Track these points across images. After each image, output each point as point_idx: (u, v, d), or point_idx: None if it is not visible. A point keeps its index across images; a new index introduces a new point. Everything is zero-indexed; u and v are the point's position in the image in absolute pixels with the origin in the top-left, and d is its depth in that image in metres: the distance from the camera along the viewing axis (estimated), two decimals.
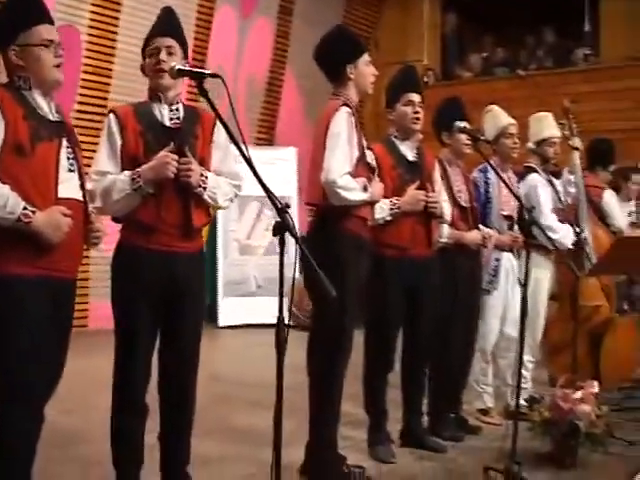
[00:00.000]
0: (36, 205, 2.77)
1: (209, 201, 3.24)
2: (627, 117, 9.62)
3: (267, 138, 10.90)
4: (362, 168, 3.78)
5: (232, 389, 5.95)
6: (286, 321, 2.44)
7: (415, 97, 4.23)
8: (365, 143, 3.91)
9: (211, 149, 3.30)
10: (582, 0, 10.57)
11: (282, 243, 2.46)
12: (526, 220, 4.18)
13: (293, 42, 10.81)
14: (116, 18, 8.68)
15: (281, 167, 9.84)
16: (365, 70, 3.84)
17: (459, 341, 4.60)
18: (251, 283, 9.77)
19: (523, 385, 4.58)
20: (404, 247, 4.15)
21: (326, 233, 3.72)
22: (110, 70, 8.72)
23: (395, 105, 4.26)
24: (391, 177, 4.16)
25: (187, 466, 3.35)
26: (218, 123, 3.22)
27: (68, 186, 2.90)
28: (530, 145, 5.27)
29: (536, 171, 5.20)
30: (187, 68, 2.97)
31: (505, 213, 4.91)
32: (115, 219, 3.23)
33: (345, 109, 3.72)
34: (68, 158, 2.93)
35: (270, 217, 9.65)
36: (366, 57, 3.87)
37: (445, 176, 4.57)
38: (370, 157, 4.00)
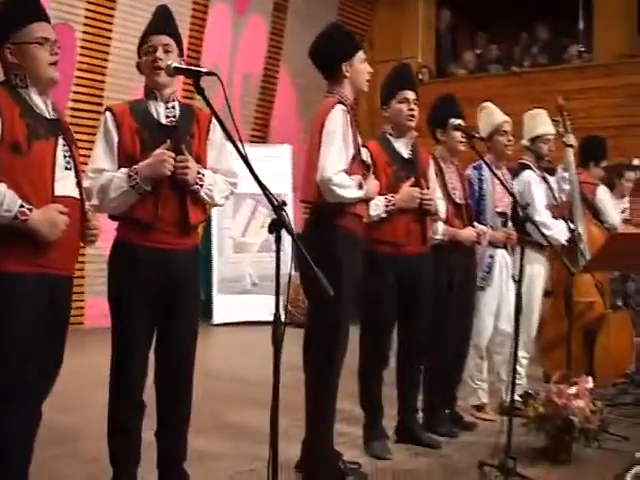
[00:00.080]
0: (33, 203, 2.77)
1: (206, 198, 3.25)
2: (621, 114, 9.65)
3: (261, 135, 10.91)
4: (357, 166, 3.79)
5: (227, 386, 5.96)
6: (282, 318, 2.46)
7: (410, 94, 4.24)
8: (360, 140, 3.92)
9: (207, 147, 3.32)
10: None
11: (278, 240, 2.47)
12: (520, 217, 4.20)
13: (287, 40, 10.81)
14: (111, 16, 8.67)
15: (275, 164, 9.84)
16: (360, 68, 3.84)
17: (454, 337, 4.62)
18: (246, 281, 9.78)
19: (518, 381, 4.59)
20: (399, 244, 4.16)
21: (321, 230, 3.73)
22: (105, 68, 8.72)
23: (390, 102, 4.27)
24: (386, 174, 4.17)
25: (184, 462, 3.36)
26: (214, 121, 3.23)
27: (65, 184, 2.90)
28: (524, 142, 5.30)
29: (530, 168, 5.22)
30: (184, 66, 2.98)
31: (499, 210, 4.93)
32: (112, 217, 3.24)
33: (340, 107, 3.73)
34: (64, 156, 2.93)
35: (265, 214, 9.67)
36: (361, 55, 3.87)
37: (440, 173, 4.59)
38: (365, 154, 4.01)
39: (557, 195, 5.37)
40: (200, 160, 3.24)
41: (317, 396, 3.72)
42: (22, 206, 2.74)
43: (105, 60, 8.71)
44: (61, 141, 2.93)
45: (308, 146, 3.80)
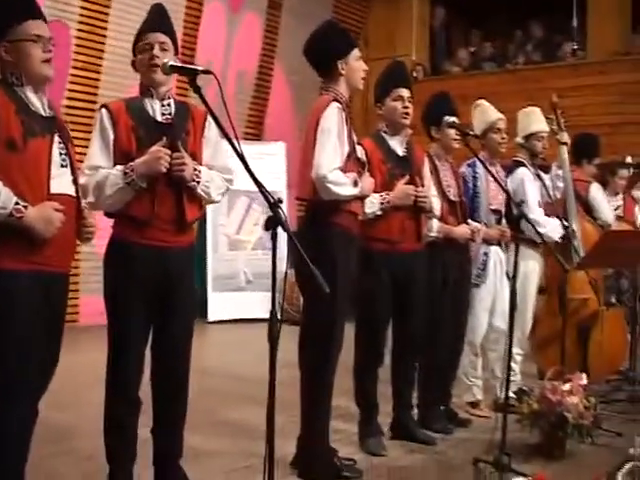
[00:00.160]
0: (28, 200, 2.77)
1: (203, 195, 3.26)
2: (614, 111, 9.68)
3: (256, 133, 10.91)
4: (352, 163, 3.80)
5: (222, 383, 5.97)
6: (278, 316, 2.46)
7: (404, 92, 4.25)
8: (355, 138, 3.93)
9: (202, 144, 3.32)
10: None
11: (275, 238, 2.48)
12: (514, 214, 4.22)
13: (282, 37, 10.81)
14: (106, 14, 8.66)
15: (270, 162, 9.84)
16: (356, 65, 3.85)
17: (448, 335, 4.63)
18: (241, 278, 9.79)
19: (512, 378, 4.61)
20: (394, 241, 4.17)
21: (316, 228, 3.73)
22: (99, 66, 8.71)
23: (384, 100, 4.28)
24: (381, 172, 4.18)
25: (179, 459, 3.37)
26: (209, 118, 3.25)
27: (60, 181, 2.90)
28: (518, 139, 5.31)
29: (525, 165, 5.24)
30: (180, 64, 2.99)
31: (493, 207, 4.94)
32: (107, 214, 3.24)
33: (335, 104, 3.74)
34: (60, 154, 2.93)
35: (259, 212, 9.68)
36: (356, 52, 3.88)
37: (434, 171, 4.60)
38: (360, 152, 4.02)
39: (551, 193, 5.39)
40: (196, 157, 3.25)
41: (313, 393, 3.74)
42: (17, 203, 2.74)
43: (100, 58, 8.70)
44: (57, 139, 2.93)
45: (303, 143, 3.81)
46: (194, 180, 3.18)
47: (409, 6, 11.86)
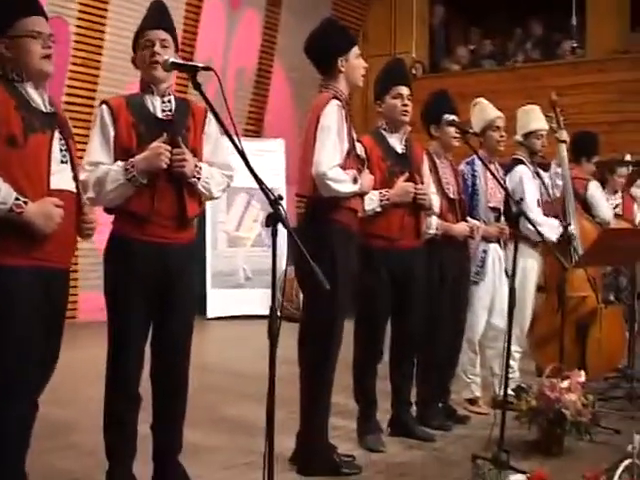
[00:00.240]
0: (28, 196, 2.78)
1: (203, 191, 3.26)
2: (613, 110, 9.69)
3: (255, 130, 10.91)
4: (352, 160, 3.81)
5: (222, 380, 5.98)
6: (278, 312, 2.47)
7: (404, 90, 4.26)
8: (355, 135, 3.93)
9: (202, 140, 3.33)
10: None
11: (275, 234, 2.48)
12: (513, 212, 4.22)
13: (282, 34, 10.82)
14: (105, 10, 8.66)
15: (269, 159, 9.85)
16: (356, 63, 3.86)
17: (447, 332, 4.64)
18: (240, 275, 9.80)
19: (510, 375, 4.62)
20: (393, 238, 4.18)
21: (316, 224, 3.74)
22: (99, 62, 8.71)
23: (384, 98, 4.28)
24: (380, 169, 4.19)
25: (179, 455, 3.38)
26: (209, 115, 3.26)
27: (61, 177, 2.91)
28: (518, 137, 5.31)
29: (524, 163, 5.24)
30: (181, 61, 3.01)
31: (492, 205, 4.95)
32: (107, 210, 3.24)
33: (335, 102, 3.75)
34: (61, 150, 2.93)
35: (258, 208, 9.69)
36: (356, 50, 3.89)
37: (434, 168, 4.61)
38: (360, 149, 4.03)
39: (550, 191, 5.39)
40: (196, 153, 3.25)
41: (312, 390, 3.74)
42: (17, 199, 2.75)
43: (99, 54, 8.70)
44: (57, 135, 2.93)
45: (303, 141, 3.82)
46: (195, 176, 3.19)
47: (409, 3, 11.85)
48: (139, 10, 3.49)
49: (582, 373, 4.27)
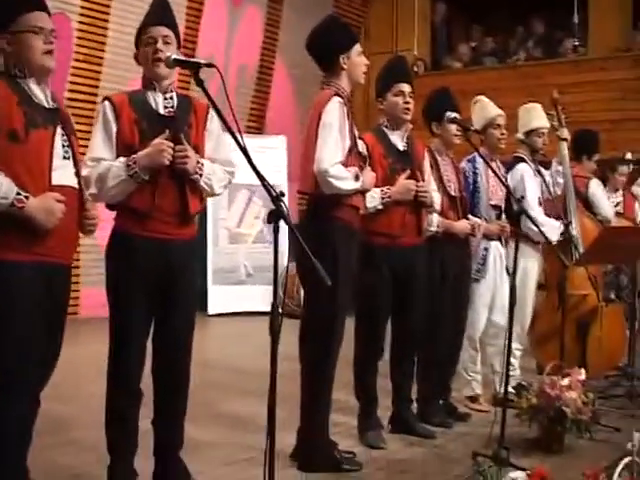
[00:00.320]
0: (29, 192, 2.78)
1: (205, 188, 3.27)
2: (615, 108, 9.69)
3: (257, 126, 10.91)
4: (354, 157, 3.81)
5: (223, 376, 5.99)
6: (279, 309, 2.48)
7: (405, 87, 4.26)
8: (357, 132, 3.94)
9: (204, 137, 3.33)
10: None
11: (277, 231, 2.49)
12: (515, 210, 4.23)
13: (283, 31, 10.81)
14: (107, 6, 8.66)
15: (271, 155, 9.86)
16: (357, 60, 3.86)
17: (448, 329, 4.65)
18: (241, 271, 9.80)
19: (511, 372, 4.63)
20: (394, 235, 4.19)
21: (318, 221, 3.75)
22: (101, 58, 8.71)
23: (385, 95, 4.29)
24: (382, 166, 4.19)
25: (180, 451, 3.38)
26: (211, 111, 3.26)
27: (63, 173, 2.91)
28: (519, 135, 5.31)
29: (525, 161, 5.24)
30: (183, 58, 3.01)
31: (493, 203, 4.95)
32: (109, 206, 3.25)
33: (337, 99, 3.75)
34: (63, 145, 2.93)
35: (260, 205, 9.70)
36: (358, 47, 3.89)
37: (435, 166, 4.61)
38: (361, 146, 4.03)
39: (552, 189, 5.40)
40: (198, 150, 3.26)
41: (313, 386, 3.75)
42: (19, 194, 2.75)
43: (101, 50, 8.70)
44: (60, 130, 2.93)
45: (305, 138, 3.82)
46: (197, 173, 3.19)
47: (410, 1, 11.84)
48: (142, 6, 3.49)
49: (582, 371, 4.28)
